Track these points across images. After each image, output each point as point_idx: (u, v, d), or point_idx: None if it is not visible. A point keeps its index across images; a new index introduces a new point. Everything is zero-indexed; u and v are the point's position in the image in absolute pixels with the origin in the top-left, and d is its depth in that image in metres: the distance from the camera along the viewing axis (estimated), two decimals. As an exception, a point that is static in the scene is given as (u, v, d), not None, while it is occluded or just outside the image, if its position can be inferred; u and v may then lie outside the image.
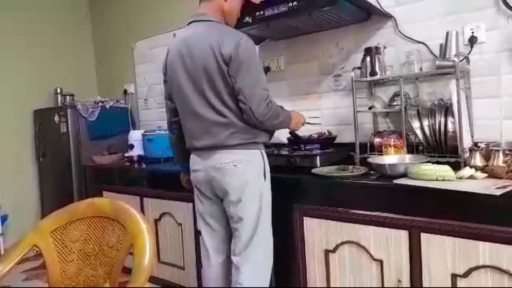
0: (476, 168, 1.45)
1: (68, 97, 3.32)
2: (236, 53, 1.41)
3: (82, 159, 3.02)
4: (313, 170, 1.71)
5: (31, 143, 3.34)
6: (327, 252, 1.62)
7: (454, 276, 1.31)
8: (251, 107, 1.42)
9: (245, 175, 1.47)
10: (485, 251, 1.25)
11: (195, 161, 1.58)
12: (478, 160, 1.50)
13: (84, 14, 3.74)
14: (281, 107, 1.57)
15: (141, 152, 2.86)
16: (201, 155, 1.54)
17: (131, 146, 2.90)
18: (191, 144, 1.57)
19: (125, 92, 3.43)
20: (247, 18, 1.89)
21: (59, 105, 3.32)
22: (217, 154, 1.49)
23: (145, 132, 2.84)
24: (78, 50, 3.68)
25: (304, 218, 1.68)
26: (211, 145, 1.49)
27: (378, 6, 1.95)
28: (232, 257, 1.52)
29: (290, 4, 1.79)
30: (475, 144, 1.62)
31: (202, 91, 1.47)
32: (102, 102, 3.22)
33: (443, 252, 1.33)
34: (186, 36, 1.53)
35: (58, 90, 3.40)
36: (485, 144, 1.57)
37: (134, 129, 3.25)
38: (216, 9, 1.54)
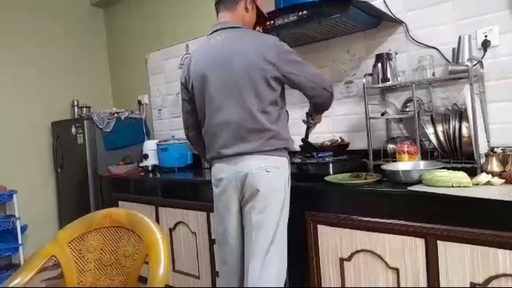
0: (493, 174, 1.42)
1: (84, 109, 3.41)
2: (281, 53, 1.45)
3: (98, 170, 3.06)
4: (326, 178, 1.71)
5: (49, 154, 3.43)
6: (342, 261, 1.61)
7: (473, 285, 1.28)
8: (323, 86, 1.54)
9: (274, 182, 1.47)
10: (505, 259, 1.22)
11: (221, 169, 1.53)
12: (494, 166, 1.47)
13: (99, 27, 3.84)
14: None
15: (156, 162, 2.91)
16: (229, 161, 1.50)
17: (146, 156, 2.95)
18: (219, 153, 1.52)
19: (140, 103, 3.49)
20: (257, 28, 1.90)
21: (76, 117, 3.40)
22: (247, 160, 1.46)
23: (159, 141, 2.87)
24: (94, 63, 3.77)
25: (318, 226, 1.67)
26: (245, 151, 1.47)
27: (389, 13, 1.95)
28: (248, 264, 1.48)
29: (300, 13, 1.80)
30: (491, 149, 1.59)
31: (241, 99, 1.45)
32: (117, 113, 3.28)
33: (461, 260, 1.30)
34: (217, 44, 1.51)
35: (75, 103, 3.50)
36: (501, 149, 1.54)
37: (149, 139, 3.29)
38: (239, 18, 1.57)
